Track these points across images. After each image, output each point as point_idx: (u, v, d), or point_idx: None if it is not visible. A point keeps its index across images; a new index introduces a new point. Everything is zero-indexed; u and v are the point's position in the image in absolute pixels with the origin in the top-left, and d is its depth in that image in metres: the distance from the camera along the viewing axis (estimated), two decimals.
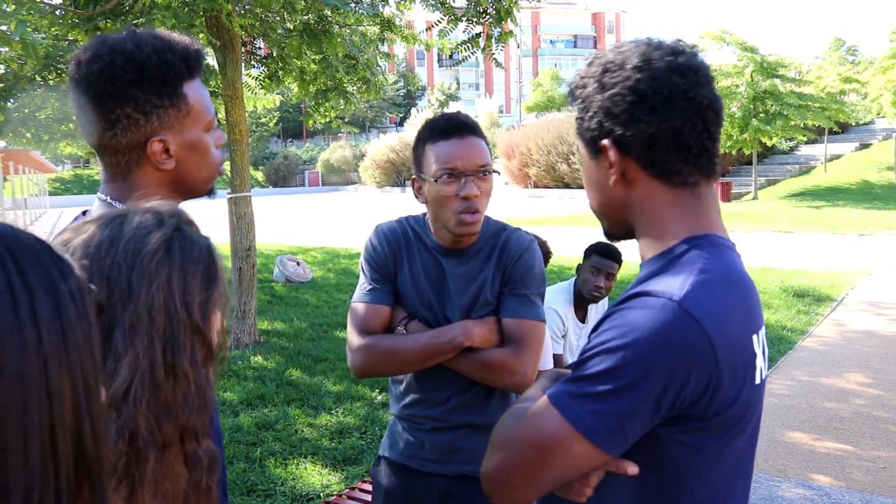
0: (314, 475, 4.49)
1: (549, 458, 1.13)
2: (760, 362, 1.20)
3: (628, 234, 1.30)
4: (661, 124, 1.16)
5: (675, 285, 1.10)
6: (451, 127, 1.93)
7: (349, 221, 23.04)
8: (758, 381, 1.19)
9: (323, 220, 24.07)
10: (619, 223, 1.29)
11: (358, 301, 2.02)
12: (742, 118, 24.35)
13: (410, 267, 2.02)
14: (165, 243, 0.89)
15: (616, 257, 3.77)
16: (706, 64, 1.23)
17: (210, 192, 1.49)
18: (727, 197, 26.60)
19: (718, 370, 1.09)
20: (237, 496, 4.28)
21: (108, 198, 1.39)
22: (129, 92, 1.30)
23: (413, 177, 2.04)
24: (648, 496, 1.18)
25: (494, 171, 1.97)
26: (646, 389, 1.06)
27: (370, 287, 2.02)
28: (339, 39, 7.81)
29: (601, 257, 3.75)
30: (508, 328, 1.94)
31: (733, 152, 27.07)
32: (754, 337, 1.18)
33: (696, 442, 1.13)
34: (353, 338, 1.98)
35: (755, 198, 25.41)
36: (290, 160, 59.57)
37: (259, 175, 57.81)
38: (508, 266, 1.97)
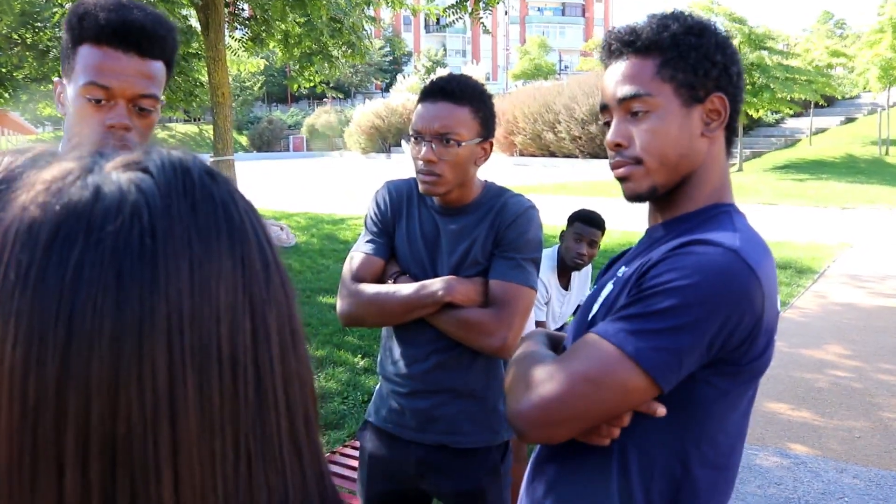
0: None
1: (603, 393, 1.15)
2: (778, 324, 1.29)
3: (665, 193, 1.31)
4: (739, 95, 1.32)
5: (730, 237, 1.18)
6: (430, 90, 1.96)
7: (333, 187, 22.92)
8: (776, 337, 1.27)
9: (307, 186, 23.94)
10: (676, 177, 1.30)
11: (355, 250, 2.07)
12: None
13: (408, 224, 2.05)
14: None
15: (599, 224, 3.75)
16: None
17: None
18: None
19: (762, 319, 1.17)
20: None
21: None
22: (64, 30, 1.45)
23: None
24: (675, 439, 1.21)
25: (465, 142, 1.92)
26: (705, 329, 1.12)
27: (367, 239, 2.07)
28: (323, 2, 7.70)
29: (584, 224, 3.73)
30: (493, 290, 1.93)
31: None
32: (778, 300, 1.27)
33: (724, 385, 1.20)
34: (343, 285, 2.02)
35: (740, 169, 25.46)
36: (275, 125, 59.07)
37: (243, 139, 57.33)
38: (501, 228, 1.97)
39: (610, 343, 1.15)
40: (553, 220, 11.61)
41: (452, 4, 6.82)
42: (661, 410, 1.17)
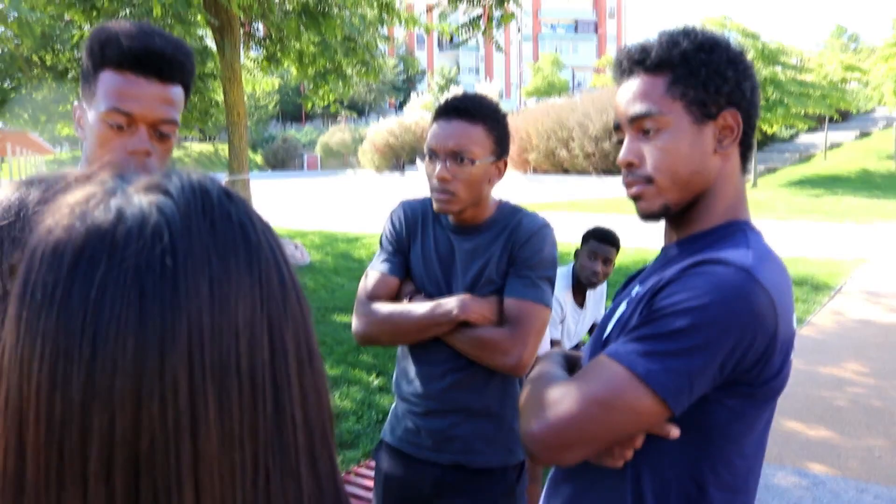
0: None
1: (614, 416, 1.15)
2: (794, 342, 1.26)
3: (678, 211, 1.31)
4: (754, 110, 1.30)
5: (744, 256, 1.16)
6: (445, 108, 1.97)
7: (348, 205, 23.00)
8: (791, 357, 1.25)
9: (321, 204, 24.03)
10: (689, 195, 1.29)
11: (371, 269, 2.09)
12: None
13: (423, 243, 2.06)
14: None
15: (614, 242, 3.74)
16: None
17: None
18: None
19: (775, 340, 1.15)
20: None
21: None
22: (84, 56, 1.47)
23: None
24: (689, 461, 1.20)
25: (479, 160, 1.92)
26: (715, 350, 1.11)
27: (383, 258, 2.08)
28: (338, 21, 7.76)
29: (598, 242, 3.72)
30: (508, 308, 1.93)
31: None
32: (793, 317, 1.25)
33: (739, 407, 1.18)
34: (359, 303, 2.04)
35: (754, 185, 25.37)
36: (289, 143, 59.43)
37: (258, 158, 57.68)
38: (516, 247, 1.97)
39: (620, 365, 1.14)
40: (567, 238, 11.59)
41: (466, 23, 6.87)
42: (675, 432, 1.16)
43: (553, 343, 3.66)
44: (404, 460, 2.08)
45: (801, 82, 24.74)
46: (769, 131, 26.42)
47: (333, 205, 23.64)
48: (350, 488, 3.38)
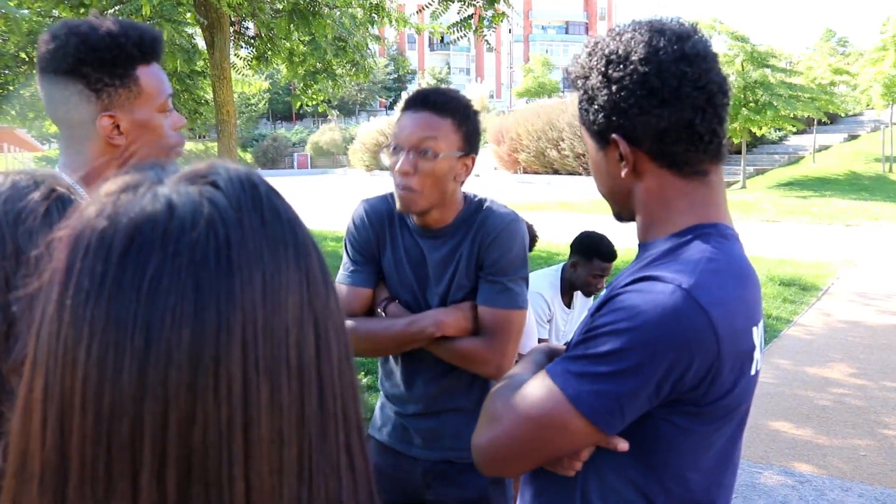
0: None
1: (546, 434, 1.13)
2: (757, 354, 1.20)
3: (629, 218, 1.31)
4: (672, 116, 1.15)
5: (684, 272, 1.10)
6: (413, 99, 1.90)
7: (337, 204, 22.94)
8: (752, 372, 1.20)
9: (311, 203, 23.97)
10: (628, 209, 1.29)
11: (340, 282, 2.02)
12: (732, 107, 24.05)
13: (393, 249, 2.00)
14: (44, 202, 0.87)
15: (615, 256, 3.74)
16: (709, 43, 1.21)
17: None
18: None
19: (719, 360, 1.09)
20: None
21: (65, 170, 1.48)
22: (81, 70, 1.41)
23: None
24: (636, 473, 1.18)
25: (443, 154, 1.84)
26: (648, 373, 1.07)
27: (352, 269, 2.02)
28: (328, 21, 7.74)
29: (603, 262, 3.70)
30: (482, 317, 1.92)
31: None
32: (754, 329, 1.19)
33: (686, 424, 1.14)
34: None
35: (743, 187, 25.46)
36: (279, 142, 59.24)
37: (248, 157, 57.44)
38: (483, 249, 1.92)
39: (554, 384, 1.13)
40: (557, 238, 11.63)
41: (457, 22, 6.87)
42: (623, 445, 1.14)
43: (541, 342, 3.66)
44: (394, 455, 2.08)
45: (790, 85, 24.82)
46: (758, 133, 26.47)
47: (323, 204, 23.58)
48: None
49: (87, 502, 0.47)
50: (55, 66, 1.41)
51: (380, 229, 2.01)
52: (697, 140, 1.17)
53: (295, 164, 58.61)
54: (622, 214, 1.32)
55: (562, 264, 3.96)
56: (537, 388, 1.15)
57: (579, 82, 1.24)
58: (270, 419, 0.49)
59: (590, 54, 1.23)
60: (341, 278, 2.03)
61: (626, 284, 1.14)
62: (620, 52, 1.17)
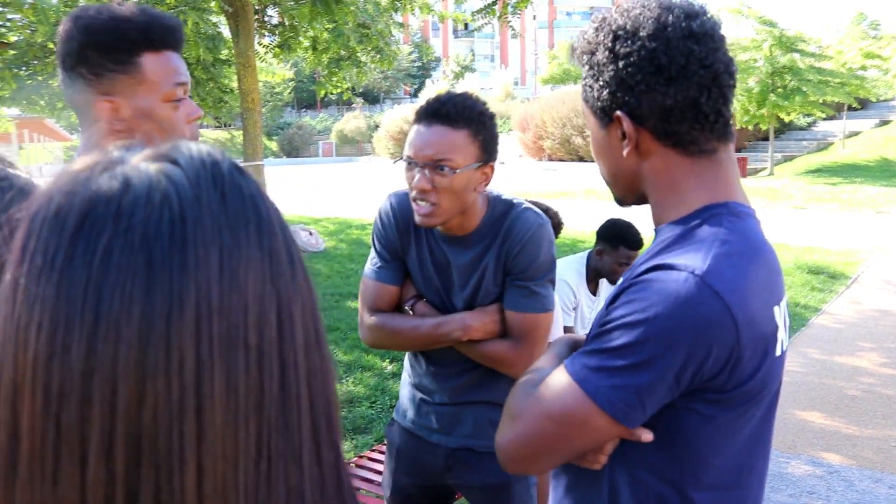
0: None
1: (567, 431, 1.12)
2: (782, 334, 1.18)
3: (641, 201, 1.27)
4: (678, 94, 1.13)
5: (696, 258, 1.08)
6: (425, 111, 1.85)
7: (362, 192, 22.99)
8: (778, 352, 1.17)
9: (336, 191, 24.05)
10: (631, 192, 1.26)
11: (368, 277, 2.03)
12: (760, 93, 23.98)
13: (418, 249, 1.99)
14: None
15: (642, 243, 3.71)
16: (719, 23, 1.19)
17: None
18: (743, 173, 26.27)
19: (739, 345, 1.07)
20: None
21: (80, 149, 1.50)
22: (84, 53, 1.41)
23: None
24: (663, 463, 1.17)
25: (461, 169, 1.80)
26: (666, 365, 1.05)
27: (379, 265, 2.02)
28: (351, 8, 7.74)
29: (630, 250, 3.68)
30: (510, 321, 1.92)
31: (750, 127, 26.74)
32: (776, 308, 1.16)
33: (710, 412, 1.12)
34: (363, 313, 2.01)
35: (771, 174, 25.15)
36: (304, 130, 59.41)
37: (273, 145, 57.73)
38: (510, 257, 1.91)
39: (572, 380, 1.11)
40: (582, 226, 11.58)
41: (481, 8, 6.83)
42: (647, 437, 1.13)
43: (566, 330, 3.64)
44: (416, 440, 2.10)
45: (819, 70, 24.43)
46: (786, 119, 26.10)
47: (348, 191, 23.65)
48: (362, 472, 3.39)
49: (37, 483, 0.47)
50: (64, 51, 1.42)
51: (404, 228, 2.00)
52: (702, 119, 1.15)
53: (320, 152, 58.76)
54: (624, 198, 1.30)
55: (587, 251, 3.93)
56: (556, 385, 1.14)
57: (585, 58, 1.22)
58: (226, 400, 0.48)
59: (597, 29, 1.21)
60: (368, 272, 2.04)
61: (639, 274, 1.12)
62: (628, 27, 1.15)
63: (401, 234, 2.00)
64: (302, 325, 0.53)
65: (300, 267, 0.55)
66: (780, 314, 1.18)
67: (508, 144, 35.68)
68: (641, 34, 1.13)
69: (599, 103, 1.20)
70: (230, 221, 0.50)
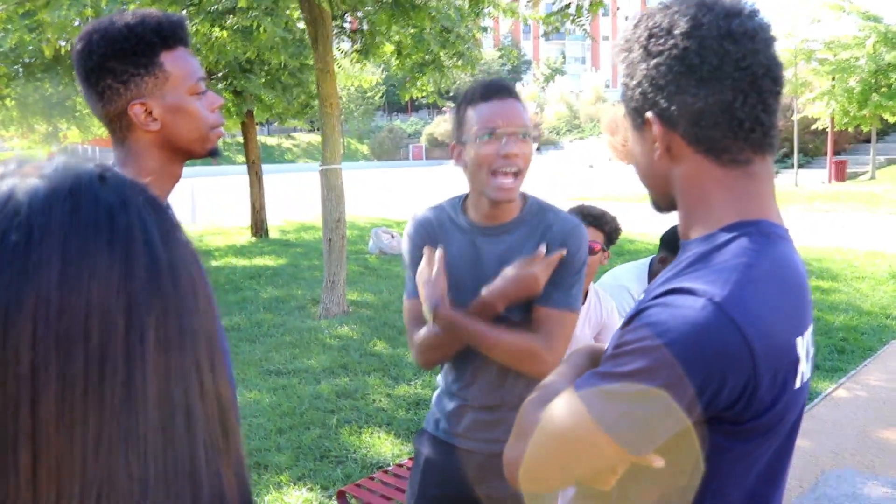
0: (386, 444, 4.57)
1: (577, 453, 1.09)
2: (803, 366, 1.11)
3: (675, 207, 1.22)
4: (710, 97, 1.07)
5: (717, 283, 1.02)
6: (493, 90, 1.93)
7: (448, 195, 23.11)
8: (798, 385, 1.10)
9: (423, 194, 24.26)
10: (664, 197, 1.21)
11: (405, 296, 2.10)
12: (861, 93, 23.00)
13: (450, 250, 2.01)
14: None
15: None
16: (766, 25, 1.11)
17: (212, 154, 1.62)
18: (842, 177, 25.25)
19: (756, 377, 1.02)
20: (310, 461, 4.41)
21: (118, 165, 1.53)
22: (107, 65, 1.46)
23: (452, 142, 2.04)
24: (673, 489, 1.13)
25: (532, 138, 1.94)
26: (678, 394, 1.00)
27: (409, 283, 2.07)
28: (431, 13, 7.79)
29: (673, 253, 3.59)
30: (539, 315, 1.92)
31: (850, 129, 25.64)
32: (799, 340, 1.09)
33: (724, 442, 1.07)
34: (408, 333, 2.07)
35: (873, 178, 24.08)
36: (395, 134, 60.24)
37: (364, 148, 58.72)
38: (550, 251, 1.93)
39: (581, 403, 1.07)
40: (646, 230, 11.33)
41: (555, 11, 6.78)
42: (658, 463, 1.07)
43: None
44: (446, 449, 2.09)
45: None
46: (891, 120, 24.86)
47: (434, 194, 23.80)
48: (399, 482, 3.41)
49: None
50: (85, 66, 1.47)
51: (428, 240, 2.04)
52: (737, 126, 1.08)
53: (410, 155, 59.43)
54: (659, 203, 1.24)
55: (650, 258, 3.85)
56: (565, 406, 1.10)
57: (622, 55, 1.18)
58: (61, 396, 0.51)
59: (635, 27, 1.16)
60: (406, 291, 2.10)
61: (656, 297, 1.07)
62: (664, 25, 1.10)
63: (422, 248, 2.02)
64: (157, 328, 0.56)
65: (169, 276, 0.58)
66: (804, 345, 1.11)
67: (597, 147, 35.24)
68: (675, 32, 1.09)
69: (633, 104, 1.17)
70: (78, 230, 0.54)
